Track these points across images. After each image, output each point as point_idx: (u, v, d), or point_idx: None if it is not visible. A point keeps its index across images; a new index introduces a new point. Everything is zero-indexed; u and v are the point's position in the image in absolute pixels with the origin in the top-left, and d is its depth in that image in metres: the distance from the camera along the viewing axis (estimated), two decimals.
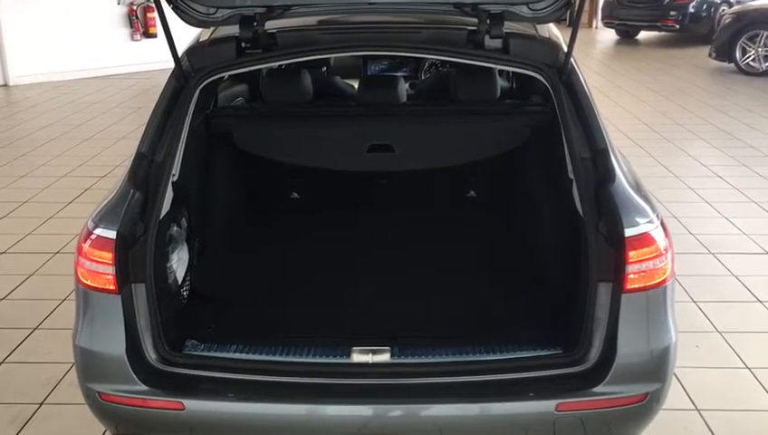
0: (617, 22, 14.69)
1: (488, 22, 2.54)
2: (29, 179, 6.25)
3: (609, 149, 2.42)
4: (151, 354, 2.28)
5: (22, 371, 3.44)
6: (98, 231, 2.26)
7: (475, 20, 2.55)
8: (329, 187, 3.77)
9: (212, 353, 2.41)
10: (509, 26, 2.61)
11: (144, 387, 2.22)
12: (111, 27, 11.14)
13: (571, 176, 2.46)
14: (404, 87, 3.56)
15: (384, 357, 2.34)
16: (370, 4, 2.70)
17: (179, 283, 2.71)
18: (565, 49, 2.61)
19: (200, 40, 2.80)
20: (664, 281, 2.23)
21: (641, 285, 2.20)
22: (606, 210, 2.28)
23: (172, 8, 2.54)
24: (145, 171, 2.42)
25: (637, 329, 2.22)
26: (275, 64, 3.25)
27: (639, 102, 9.15)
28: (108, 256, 2.22)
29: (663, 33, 14.53)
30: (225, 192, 3.37)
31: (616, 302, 2.21)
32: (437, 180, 3.73)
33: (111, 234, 2.24)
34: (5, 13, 10.00)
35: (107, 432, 2.81)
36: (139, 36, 11.35)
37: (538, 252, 3.06)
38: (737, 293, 4.16)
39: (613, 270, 2.22)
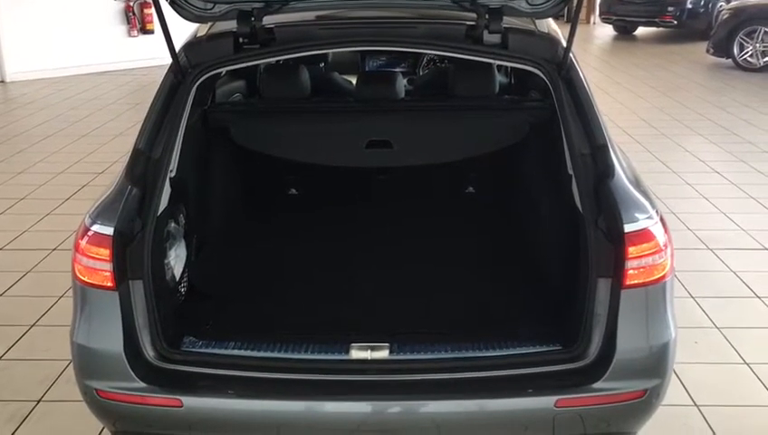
0: (614, 18, 14.68)
1: (487, 17, 2.52)
2: (26, 176, 6.23)
3: (609, 145, 2.42)
4: (149, 351, 2.27)
5: (19, 368, 3.43)
6: (95, 228, 2.25)
7: (474, 15, 2.54)
8: (327, 183, 3.76)
9: (210, 350, 2.40)
10: (508, 21, 2.60)
11: (142, 384, 2.21)
12: (108, 23, 11.11)
13: (571, 172, 2.46)
14: (402, 83, 3.56)
15: (383, 354, 2.33)
16: None
17: (177, 279, 2.70)
18: (564, 44, 2.60)
19: (197, 35, 2.79)
20: (663, 277, 2.23)
21: (641, 281, 2.20)
22: (605, 206, 2.27)
23: (169, 3, 2.52)
24: (142, 168, 2.41)
25: (636, 325, 2.22)
26: (273, 60, 3.24)
27: (637, 98, 9.14)
28: (105, 252, 2.21)
29: (661, 28, 14.51)
30: (222, 188, 3.36)
31: (615, 298, 2.20)
32: (436, 176, 3.72)
33: (109, 230, 2.23)
34: (2, 9, 9.95)
35: (105, 430, 2.81)
36: (136, 32, 11.32)
37: (537, 248, 3.06)
38: (735, 289, 4.16)
39: (613, 266, 2.21)
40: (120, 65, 11.01)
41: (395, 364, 2.33)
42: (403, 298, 2.81)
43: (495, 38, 2.58)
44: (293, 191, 3.86)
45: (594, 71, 11.03)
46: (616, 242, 2.21)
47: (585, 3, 15.12)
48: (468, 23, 2.59)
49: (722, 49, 10.90)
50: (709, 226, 5.03)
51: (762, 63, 10.60)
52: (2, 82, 10.22)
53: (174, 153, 2.51)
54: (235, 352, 2.38)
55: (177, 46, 2.62)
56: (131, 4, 11.21)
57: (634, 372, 2.21)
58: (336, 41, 2.69)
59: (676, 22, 13.76)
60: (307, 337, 2.43)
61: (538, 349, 2.35)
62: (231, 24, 2.60)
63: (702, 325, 3.75)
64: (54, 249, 4.67)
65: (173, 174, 2.52)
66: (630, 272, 2.18)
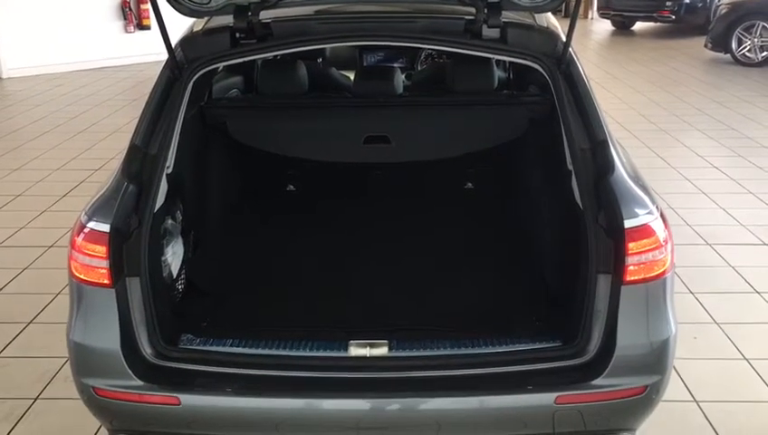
0: (613, 13, 14.64)
1: (486, 11, 2.50)
2: (22, 172, 6.20)
3: (609, 140, 2.40)
4: (146, 349, 2.25)
5: (16, 365, 3.42)
6: (91, 224, 2.23)
7: (473, 9, 2.52)
8: (325, 178, 3.74)
9: (208, 348, 2.38)
10: (507, 16, 2.58)
11: (139, 382, 2.20)
12: (105, 19, 11.07)
13: (570, 167, 2.44)
14: (400, 78, 3.54)
15: (382, 350, 2.32)
16: None
17: (174, 276, 2.68)
18: (564, 39, 2.58)
19: (194, 30, 2.77)
20: (664, 273, 2.21)
21: (641, 277, 2.18)
22: (605, 202, 2.26)
23: None
24: (139, 164, 2.39)
25: (636, 321, 2.20)
26: (270, 55, 3.22)
27: (636, 93, 9.13)
28: (101, 249, 2.20)
29: (659, 24, 14.49)
30: (220, 185, 3.34)
31: (615, 294, 2.19)
32: (434, 172, 3.70)
33: (105, 227, 2.21)
34: None
35: (102, 428, 2.79)
36: (132, 28, 11.28)
37: (536, 244, 3.04)
38: (735, 284, 4.15)
39: (613, 262, 2.20)
40: (116, 61, 10.98)
41: (394, 361, 2.32)
42: (402, 294, 2.80)
43: (494, 33, 2.56)
44: (291, 187, 3.84)
45: (592, 66, 11.01)
46: (616, 238, 2.19)
47: None
48: (467, 17, 2.57)
49: (720, 44, 10.89)
50: (708, 221, 5.03)
51: (760, 58, 10.59)
52: None
53: (170, 149, 2.49)
54: (233, 349, 2.36)
55: (174, 41, 2.60)
56: None
57: (634, 369, 2.20)
58: (334, 36, 2.67)
59: (674, 17, 13.73)
60: (305, 334, 2.42)
61: (538, 345, 2.33)
62: (228, 19, 2.58)
63: (701, 321, 3.74)
64: (51, 246, 4.65)
65: (170, 170, 2.51)
66: (630, 268, 2.17)
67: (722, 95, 8.89)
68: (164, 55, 2.57)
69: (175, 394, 2.19)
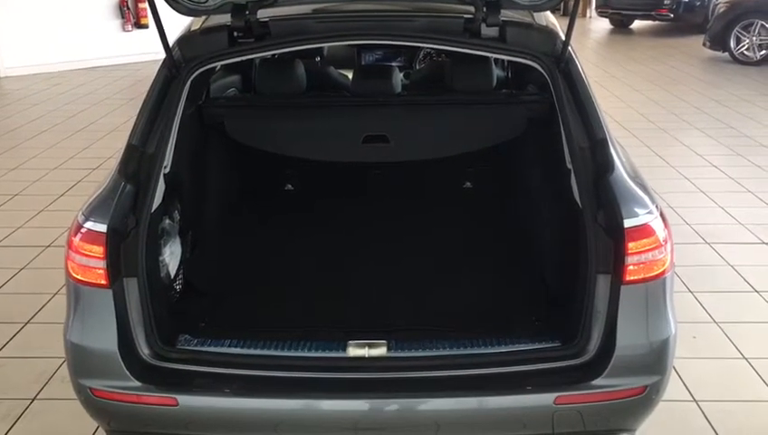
0: (611, 11, 14.64)
1: (485, 10, 2.49)
2: (19, 172, 6.19)
3: (608, 139, 2.39)
4: (144, 350, 2.24)
5: (13, 365, 3.41)
6: (88, 224, 2.22)
7: (472, 8, 2.51)
8: (323, 178, 3.73)
9: (206, 348, 2.37)
10: (506, 15, 2.57)
11: (137, 383, 2.19)
12: (102, 18, 11.05)
13: (570, 166, 2.43)
14: (399, 77, 3.53)
15: (380, 351, 2.31)
16: None
17: (172, 277, 2.67)
18: (563, 37, 2.57)
19: (192, 29, 2.76)
20: (663, 272, 2.20)
21: (640, 277, 2.17)
22: (605, 201, 2.25)
23: None
24: (136, 163, 2.37)
25: (636, 321, 2.20)
26: (268, 54, 3.21)
27: (634, 92, 9.12)
28: (98, 249, 2.18)
29: (657, 22, 14.50)
30: (218, 184, 3.32)
31: (615, 294, 2.18)
32: (433, 171, 3.69)
33: (102, 227, 2.20)
34: None
35: (99, 429, 2.78)
36: (130, 27, 11.26)
37: (536, 243, 3.03)
38: (734, 283, 4.15)
39: (612, 262, 2.19)
40: (114, 60, 10.96)
41: (393, 362, 2.31)
42: (400, 294, 2.79)
43: (493, 31, 2.55)
44: (289, 187, 3.83)
45: (591, 65, 11.00)
46: (615, 237, 2.18)
47: None
48: (466, 16, 2.56)
49: (718, 42, 10.88)
50: (707, 220, 5.02)
51: (758, 57, 10.58)
52: None
53: (168, 149, 2.48)
54: (231, 349, 2.35)
55: (171, 40, 2.59)
56: None
57: (634, 369, 2.19)
58: (332, 34, 2.66)
59: (672, 15, 13.74)
60: (304, 334, 2.41)
61: (537, 345, 2.32)
62: (225, 18, 2.57)
63: (700, 320, 3.74)
64: (49, 246, 4.64)
65: (167, 170, 2.50)
66: (630, 268, 2.16)
67: (720, 94, 8.88)
68: (162, 54, 2.55)
69: (172, 395, 2.18)
